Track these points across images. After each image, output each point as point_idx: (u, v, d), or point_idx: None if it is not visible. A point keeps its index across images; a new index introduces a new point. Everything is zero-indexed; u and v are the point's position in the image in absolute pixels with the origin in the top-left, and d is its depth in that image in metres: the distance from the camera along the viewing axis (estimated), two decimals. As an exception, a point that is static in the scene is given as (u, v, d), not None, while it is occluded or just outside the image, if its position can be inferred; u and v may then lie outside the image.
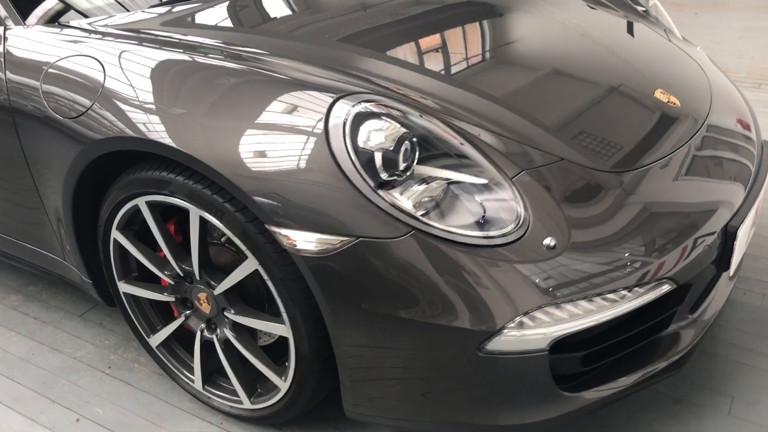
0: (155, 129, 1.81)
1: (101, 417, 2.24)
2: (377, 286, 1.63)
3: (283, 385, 1.96)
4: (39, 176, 2.17)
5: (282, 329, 1.86)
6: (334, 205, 1.63)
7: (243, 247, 1.79)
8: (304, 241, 1.65)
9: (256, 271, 1.81)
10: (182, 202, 1.84)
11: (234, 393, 2.14)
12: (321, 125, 1.66)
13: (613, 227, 1.72)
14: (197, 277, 1.97)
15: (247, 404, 2.09)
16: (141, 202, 1.94)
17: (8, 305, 2.80)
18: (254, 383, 2.12)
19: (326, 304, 1.69)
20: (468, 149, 1.73)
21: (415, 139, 1.67)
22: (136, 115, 1.85)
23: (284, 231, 1.66)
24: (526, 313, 1.59)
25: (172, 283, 2.06)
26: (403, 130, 1.68)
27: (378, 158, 1.64)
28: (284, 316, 1.82)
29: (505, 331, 1.60)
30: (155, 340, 2.24)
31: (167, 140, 1.78)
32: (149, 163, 1.90)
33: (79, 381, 2.39)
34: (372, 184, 1.62)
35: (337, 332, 1.72)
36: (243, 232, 1.76)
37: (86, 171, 2.00)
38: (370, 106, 1.70)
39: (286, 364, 1.97)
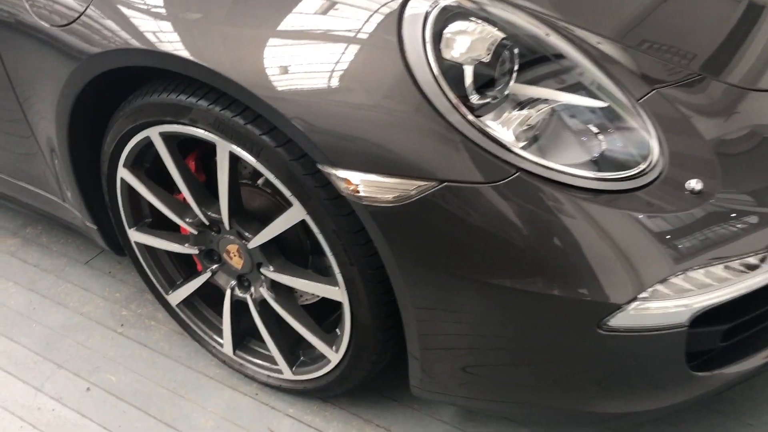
0: (168, 39, 1.40)
1: (115, 385, 1.92)
2: (464, 245, 1.25)
3: (334, 356, 1.62)
4: (26, 100, 1.77)
5: (334, 292, 1.50)
6: (409, 137, 1.23)
7: (286, 192, 1.40)
8: (369, 186, 1.27)
9: (302, 221, 1.44)
10: (206, 133, 1.45)
11: (272, 360, 1.81)
12: (392, 28, 1.24)
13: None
14: (226, 227, 1.59)
15: (288, 374, 1.76)
16: (154, 133, 1.54)
17: (4, 250, 2.44)
18: (295, 350, 1.78)
19: (395, 264, 1.32)
20: (578, 57, 1.32)
21: (516, 50, 1.26)
22: (144, 22, 1.43)
23: (342, 172, 1.28)
24: (663, 281, 1.22)
25: (195, 232, 1.69)
26: (500, 35, 1.26)
27: (468, 73, 1.24)
28: (338, 277, 1.46)
29: (636, 303, 1.23)
30: (175, 297, 1.89)
31: (183, 52, 1.37)
32: (163, 83, 1.49)
33: (87, 341, 2.06)
34: (461, 109, 1.22)
35: (409, 298, 1.36)
36: (287, 173, 1.37)
37: (83, 94, 1.60)
38: (455, 2, 1.28)
39: (338, 331, 1.62)
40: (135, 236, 1.82)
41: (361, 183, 1.27)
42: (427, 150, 1.22)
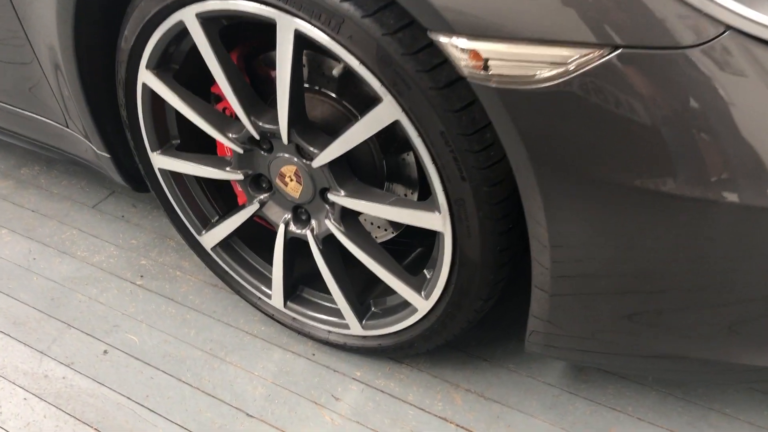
0: None
1: (138, 347, 1.58)
2: (639, 140, 0.90)
3: (423, 304, 1.28)
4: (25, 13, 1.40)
5: (432, 220, 1.15)
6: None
7: (375, 84, 1.04)
8: (505, 59, 0.91)
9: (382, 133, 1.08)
10: (262, 7, 1.08)
11: (334, 313, 1.47)
12: None
13: None
14: (284, 140, 1.23)
15: (356, 330, 1.42)
16: (189, 15, 1.17)
17: (-5, 194, 2.09)
18: (364, 299, 1.44)
19: (532, 174, 0.97)
20: None
21: None
22: None
23: (467, 42, 0.92)
24: None
25: (240, 151, 1.33)
26: None
27: None
28: (440, 199, 1.11)
29: None
30: (209, 239, 1.53)
31: None
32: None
33: (101, 296, 1.71)
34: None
35: (545, 222, 1.01)
36: (378, 54, 1.01)
37: None
38: None
39: (427, 273, 1.28)
40: (160, 162, 1.46)
41: (494, 56, 0.91)
42: (595, 3, 0.86)
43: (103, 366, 1.54)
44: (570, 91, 0.90)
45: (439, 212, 1.12)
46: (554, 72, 0.90)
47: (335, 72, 1.16)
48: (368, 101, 1.27)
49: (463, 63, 0.94)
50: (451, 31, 0.92)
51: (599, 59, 0.87)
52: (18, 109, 1.73)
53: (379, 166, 1.33)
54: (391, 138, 1.29)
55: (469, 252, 1.14)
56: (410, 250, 1.51)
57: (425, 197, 1.34)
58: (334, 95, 1.30)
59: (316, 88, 1.31)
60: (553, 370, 1.46)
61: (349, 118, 1.30)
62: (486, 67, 0.93)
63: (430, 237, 1.48)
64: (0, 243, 1.89)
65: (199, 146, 1.48)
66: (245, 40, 1.35)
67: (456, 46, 0.93)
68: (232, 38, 1.31)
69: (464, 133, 1.02)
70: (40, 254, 1.85)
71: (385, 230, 1.44)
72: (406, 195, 1.36)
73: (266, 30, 1.32)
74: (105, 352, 1.57)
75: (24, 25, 1.47)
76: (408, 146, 1.29)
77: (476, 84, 0.94)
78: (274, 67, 1.35)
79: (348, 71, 1.18)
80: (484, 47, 0.91)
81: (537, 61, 0.90)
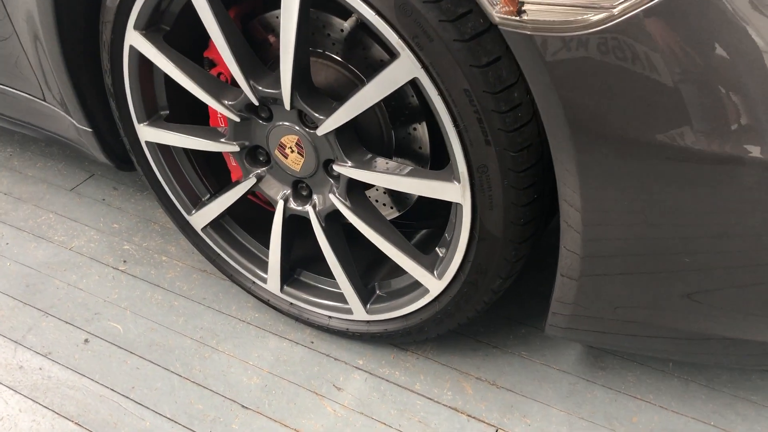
0: None
1: (121, 336, 1.46)
2: (699, 95, 0.82)
3: (436, 285, 1.18)
4: None
5: (450, 190, 1.06)
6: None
7: (392, 37, 0.94)
8: (542, 2, 0.82)
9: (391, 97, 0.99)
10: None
11: (335, 297, 1.37)
12: None
13: None
14: (287, 105, 1.13)
15: (360, 314, 1.32)
16: (183, -34, 1.08)
17: (-35, 177, 1.96)
18: (368, 281, 1.35)
19: (568, 136, 0.89)
20: None
21: None
22: None
23: (499, -14, 0.83)
24: None
25: (237, 120, 1.23)
26: None
27: None
28: (460, 167, 1.02)
29: None
30: (200, 218, 1.43)
31: None
32: None
33: (80, 282, 1.60)
34: None
35: (579, 189, 0.93)
36: (397, 2, 0.92)
37: None
38: None
39: (439, 252, 1.19)
40: (147, 134, 1.35)
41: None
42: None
43: (83, 356, 1.43)
44: (614, 39, 0.81)
45: (458, 182, 1.03)
46: (598, 17, 0.81)
47: (347, 26, 1.06)
48: (376, 65, 1.18)
49: (496, 7, 0.85)
50: (484, -29, 0.83)
51: (649, 1, 0.79)
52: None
53: (387, 139, 1.24)
54: (400, 107, 1.19)
55: (490, 225, 1.05)
56: (415, 231, 1.42)
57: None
58: (339, 58, 1.20)
59: (319, 50, 1.22)
60: (569, 357, 1.38)
61: (355, 83, 1.20)
62: (521, 12, 0.84)
63: (437, 217, 1.41)
64: (-30, 227, 1.77)
65: (190, 117, 1.37)
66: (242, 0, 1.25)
67: (487, -11, 0.84)
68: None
69: (491, 91, 0.93)
70: (14, 239, 1.72)
71: (391, 208, 1.35)
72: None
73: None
74: (86, 341, 1.46)
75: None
76: (418, 117, 1.20)
77: (509, 32, 0.86)
78: (271, 31, 1.26)
79: (358, 28, 1.09)
80: (519, -10, 0.83)
81: (579, 5, 0.81)
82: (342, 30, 1.16)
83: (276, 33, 1.24)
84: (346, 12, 1.16)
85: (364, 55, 1.18)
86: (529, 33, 0.84)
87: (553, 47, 0.84)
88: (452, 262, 1.14)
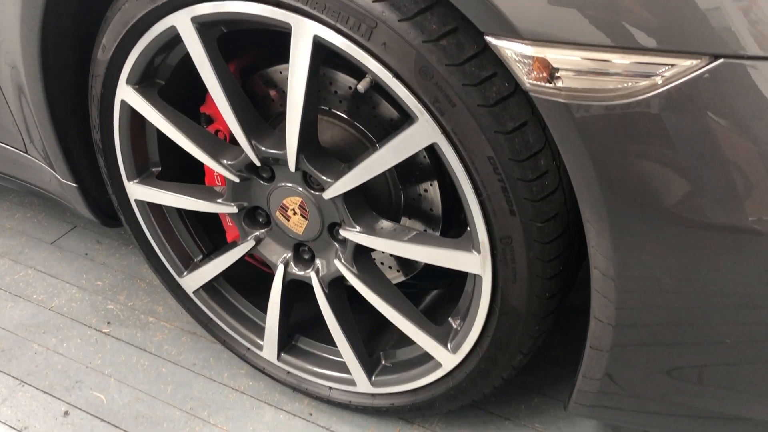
0: None
1: (105, 407, 1.35)
2: (744, 169, 0.76)
3: (450, 359, 1.10)
4: None
5: (468, 261, 0.98)
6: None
7: (409, 101, 0.87)
8: (579, 70, 0.76)
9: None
10: (275, 10, 0.91)
11: (336, 367, 1.28)
12: None
13: None
14: (291, 167, 1.06)
15: (364, 387, 1.23)
16: (182, 20, 0.99)
17: (-62, 229, 1.85)
18: (372, 350, 1.26)
19: (602, 204, 0.82)
20: None
21: None
22: None
23: (533, 48, 0.77)
24: None
25: (236, 180, 1.15)
26: None
27: None
28: (480, 236, 0.94)
29: None
30: (192, 281, 1.34)
31: None
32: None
33: (60, 346, 1.49)
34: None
35: (613, 261, 0.86)
36: (416, 65, 0.85)
37: None
38: None
39: (453, 323, 1.11)
40: (137, 192, 1.26)
41: (565, 65, 0.76)
42: (690, 8, 0.72)
43: (63, 430, 1.32)
44: (656, 107, 0.75)
45: (478, 252, 0.96)
46: (638, 85, 0.75)
47: (360, 87, 0.99)
48: (385, 124, 1.12)
49: (527, 74, 0.79)
50: (515, 35, 0.77)
51: (694, 71, 0.73)
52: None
53: (396, 199, 1.17)
54: (411, 167, 1.12)
55: (512, 299, 0.97)
56: (422, 293, 1.34)
57: (446, 235, 1.19)
58: (345, 116, 1.14)
59: (325, 108, 1.15)
60: (585, 429, 1.29)
61: (362, 142, 1.13)
62: (553, 78, 0.78)
63: (444, 277, 1.34)
64: (-58, 285, 1.65)
65: (183, 174, 1.29)
66: (243, 52, 1.18)
67: (519, 54, 0.78)
68: (227, 49, 1.14)
69: (517, 159, 0.87)
70: (-10, 298, 1.62)
71: (397, 271, 1.27)
72: (425, 231, 1.20)
73: (270, 40, 1.17)
74: (66, 413, 1.34)
75: None
76: (430, 177, 1.13)
77: (540, 99, 0.79)
78: (273, 86, 1.20)
79: (374, 87, 1.03)
80: (554, 55, 0.76)
81: (620, 74, 0.75)
82: (350, 88, 1.09)
83: (278, 88, 1.18)
84: (355, 69, 1.10)
85: (373, 113, 1.11)
86: (563, 101, 0.78)
87: (587, 115, 0.78)
88: (469, 335, 1.06)
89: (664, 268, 0.84)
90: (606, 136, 0.78)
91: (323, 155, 1.07)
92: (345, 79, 1.11)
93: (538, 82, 0.79)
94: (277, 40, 1.16)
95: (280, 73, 1.16)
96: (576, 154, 0.81)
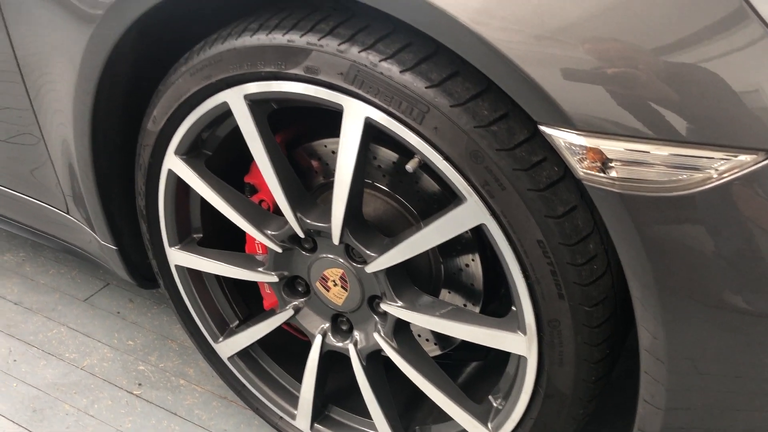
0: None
1: (135, 473, 1.35)
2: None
3: (490, 438, 1.09)
4: (37, 89, 1.26)
5: (513, 342, 0.98)
6: (718, 82, 0.74)
7: (459, 183, 0.88)
8: (632, 161, 0.77)
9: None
10: (330, 92, 0.93)
11: (371, 440, 1.27)
12: None
13: None
14: (335, 240, 1.07)
15: (398, 462, 1.22)
16: (235, 97, 1.02)
17: (-27, 283, 1.87)
18: (407, 422, 1.25)
19: (655, 293, 0.81)
20: None
21: None
22: None
23: (586, 138, 0.78)
24: None
25: (278, 251, 1.16)
26: None
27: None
28: (525, 318, 0.94)
29: None
30: (227, 347, 1.33)
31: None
32: (262, 16, 0.99)
33: (91, 408, 1.48)
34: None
35: (666, 350, 0.85)
36: (468, 149, 0.86)
37: (113, 62, 1.10)
38: None
39: (493, 401, 1.09)
40: (178, 258, 1.28)
41: (620, 156, 0.77)
42: (749, 103, 0.73)
43: (91, 496, 1.31)
44: (711, 200, 0.76)
45: (524, 334, 0.95)
46: (693, 178, 0.76)
47: (409, 167, 1.01)
48: (428, 199, 1.13)
49: (579, 162, 0.80)
50: (570, 125, 0.78)
51: (752, 165, 0.74)
52: (10, 191, 1.56)
53: (435, 273, 1.17)
54: (453, 240, 1.13)
55: (558, 382, 0.96)
56: (458, 365, 1.33)
57: (486, 310, 1.18)
58: (388, 190, 1.15)
59: (368, 181, 1.16)
60: None
61: (405, 216, 1.14)
62: (607, 169, 0.78)
63: (483, 350, 1.33)
64: (-24, 341, 1.67)
65: (223, 242, 1.31)
66: (288, 125, 1.20)
67: (573, 143, 0.79)
68: (273, 121, 1.16)
69: (566, 243, 0.87)
70: (22, 355, 1.62)
71: (435, 344, 1.26)
72: (465, 306, 1.20)
73: (313, 113, 1.20)
74: (95, 479, 1.34)
75: (37, 114, 1.32)
76: (472, 250, 1.13)
77: (593, 188, 0.80)
78: (317, 158, 1.22)
79: (422, 167, 1.04)
80: (608, 146, 0.77)
81: (674, 165, 0.76)
82: (394, 163, 1.11)
83: (322, 161, 1.19)
84: (401, 145, 1.12)
85: (416, 188, 1.12)
86: (617, 191, 0.78)
87: (641, 205, 0.78)
88: (511, 416, 1.04)
89: (714, 352, 0.84)
90: (660, 226, 0.78)
91: (367, 229, 1.08)
92: (389, 155, 1.12)
93: (591, 171, 0.80)
94: (322, 114, 1.19)
95: (325, 146, 1.18)
96: (629, 243, 0.81)
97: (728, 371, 0.86)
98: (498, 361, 1.35)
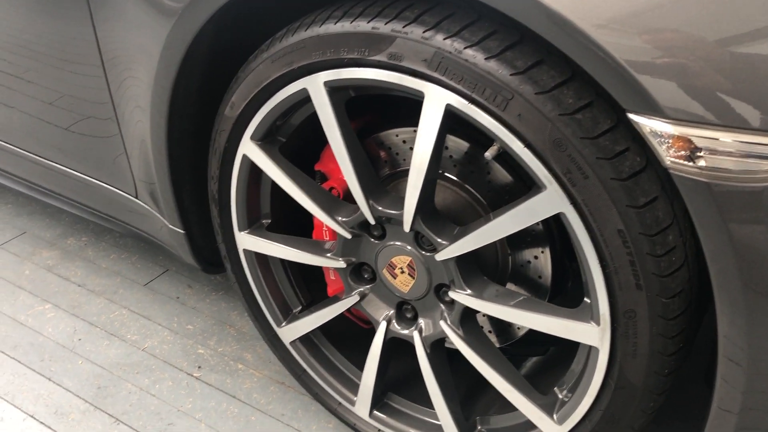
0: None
1: (196, 452, 1.38)
2: None
3: (555, 430, 1.09)
4: (119, 83, 1.30)
5: (585, 332, 0.98)
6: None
7: (539, 171, 0.89)
8: (723, 150, 0.77)
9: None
10: (413, 79, 0.95)
11: (429, 428, 1.27)
12: None
13: None
14: (406, 227, 1.08)
15: (459, 451, 1.23)
16: (315, 83, 1.04)
17: (40, 264, 1.92)
18: (468, 413, 1.26)
19: (739, 285, 0.81)
20: None
21: None
22: None
23: (676, 127, 0.78)
24: None
25: (347, 237, 1.18)
26: None
27: None
28: (600, 308, 0.94)
29: None
30: (290, 332, 1.36)
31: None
32: (345, 4, 1.01)
33: (153, 388, 1.52)
34: None
35: (747, 344, 0.85)
36: (551, 136, 0.87)
37: (194, 49, 1.14)
38: None
39: (559, 393, 1.09)
40: (247, 242, 1.31)
41: (710, 145, 0.77)
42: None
43: (154, 472, 1.34)
44: (803, 192, 0.75)
45: (597, 324, 0.96)
46: (786, 168, 0.75)
47: (488, 155, 1.02)
48: (498, 189, 1.14)
49: (667, 150, 0.80)
50: (659, 113, 0.78)
51: None
52: (83, 176, 1.61)
53: (503, 264, 1.18)
54: (522, 233, 1.14)
55: (629, 374, 0.96)
56: (519, 359, 1.34)
57: (553, 302, 1.19)
58: (458, 180, 1.16)
59: (439, 171, 1.18)
60: None
61: (473, 206, 1.15)
62: (695, 158, 0.79)
63: (543, 345, 1.33)
64: (43, 319, 1.72)
65: (290, 227, 1.33)
66: (360, 114, 1.23)
67: (661, 132, 0.79)
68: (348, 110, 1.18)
69: (647, 233, 0.87)
70: (87, 335, 1.67)
71: (497, 337, 1.27)
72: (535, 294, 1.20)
73: (384, 102, 1.21)
74: (158, 455, 1.37)
75: (116, 107, 1.36)
76: (542, 243, 1.14)
77: (680, 177, 0.80)
78: (386, 148, 1.23)
79: (495, 158, 1.05)
80: (698, 135, 0.78)
81: (762, 156, 0.76)
82: (490, 152, 1.10)
83: (391, 151, 1.21)
84: (471, 135, 1.13)
85: (487, 178, 1.13)
86: (705, 180, 0.78)
87: (731, 196, 0.78)
88: (578, 407, 1.04)
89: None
90: (749, 218, 0.78)
91: (438, 217, 1.09)
92: (461, 145, 1.14)
93: (679, 160, 0.80)
94: (395, 103, 1.21)
95: (396, 135, 1.20)
96: (715, 234, 0.81)
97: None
98: (557, 357, 1.36)
